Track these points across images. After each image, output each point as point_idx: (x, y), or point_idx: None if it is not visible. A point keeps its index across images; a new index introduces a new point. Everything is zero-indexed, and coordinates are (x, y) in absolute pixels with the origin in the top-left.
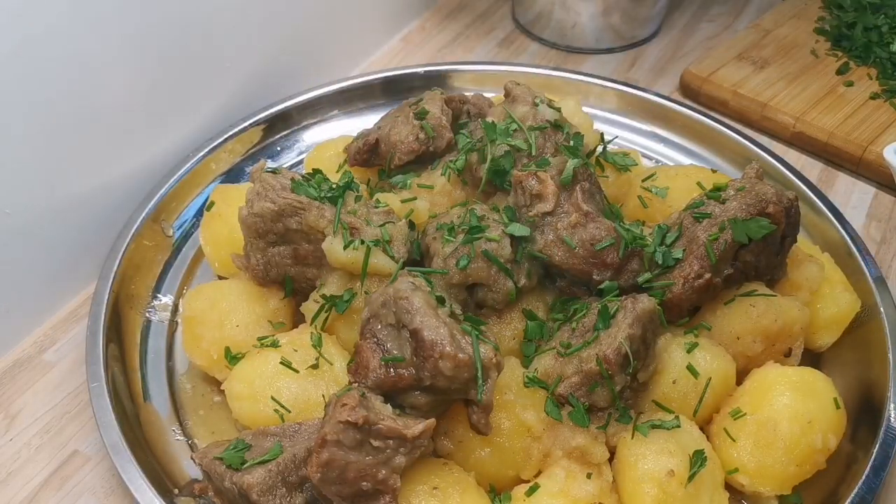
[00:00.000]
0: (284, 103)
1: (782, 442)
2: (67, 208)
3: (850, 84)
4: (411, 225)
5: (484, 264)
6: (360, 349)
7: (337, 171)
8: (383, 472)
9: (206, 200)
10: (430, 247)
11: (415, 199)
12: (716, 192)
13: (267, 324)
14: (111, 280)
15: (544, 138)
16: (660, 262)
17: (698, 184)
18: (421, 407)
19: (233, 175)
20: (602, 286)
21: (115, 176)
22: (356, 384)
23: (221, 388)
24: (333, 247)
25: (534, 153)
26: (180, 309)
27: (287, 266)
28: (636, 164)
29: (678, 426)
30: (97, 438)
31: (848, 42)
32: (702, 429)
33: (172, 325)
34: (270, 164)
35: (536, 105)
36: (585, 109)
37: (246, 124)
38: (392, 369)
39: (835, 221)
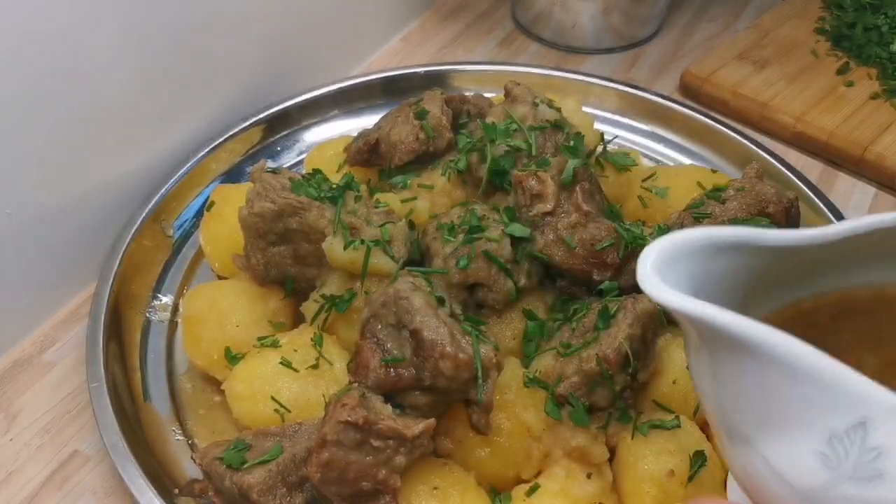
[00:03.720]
0: (284, 103)
1: None
2: (67, 208)
3: (850, 84)
4: (411, 225)
5: (484, 264)
6: (360, 349)
7: (337, 171)
8: (383, 472)
9: (206, 200)
10: (430, 247)
11: (415, 199)
12: (716, 193)
13: (267, 324)
14: (111, 280)
15: (544, 138)
16: None
17: (698, 184)
18: (421, 407)
19: (233, 175)
20: (602, 286)
21: (115, 176)
22: (356, 384)
23: (221, 388)
24: (333, 247)
25: (534, 153)
26: (180, 309)
27: (287, 266)
28: (636, 164)
29: (678, 426)
30: (97, 438)
31: (848, 42)
32: (702, 429)
33: (172, 325)
34: (270, 164)
35: (536, 105)
36: (585, 109)
37: (246, 124)
38: (392, 369)
39: (835, 221)
